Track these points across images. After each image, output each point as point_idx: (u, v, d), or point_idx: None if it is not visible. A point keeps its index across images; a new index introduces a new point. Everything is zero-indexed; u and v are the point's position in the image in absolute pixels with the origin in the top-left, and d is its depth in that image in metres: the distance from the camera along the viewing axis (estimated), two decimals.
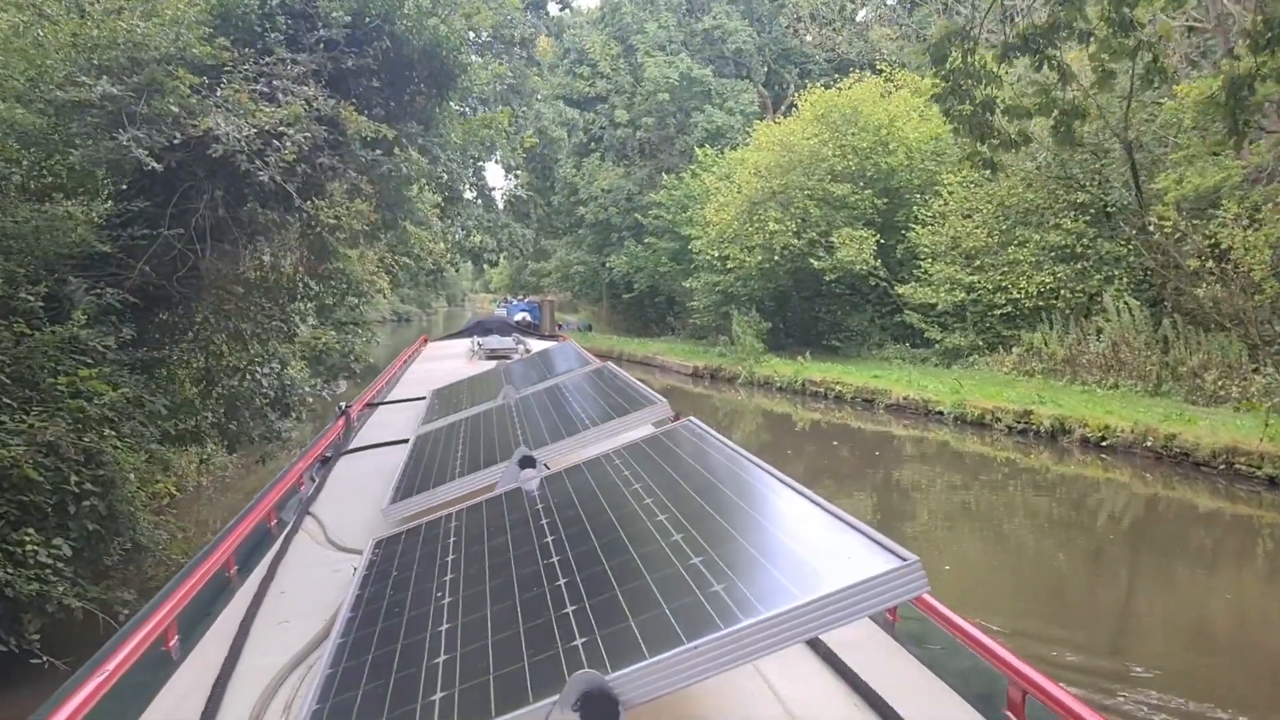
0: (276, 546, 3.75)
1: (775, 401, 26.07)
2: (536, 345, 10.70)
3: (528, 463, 3.66)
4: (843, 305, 34.04)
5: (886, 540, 1.90)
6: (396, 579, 2.86)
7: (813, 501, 2.29)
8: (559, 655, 1.92)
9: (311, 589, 3.27)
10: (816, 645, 2.52)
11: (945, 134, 29.45)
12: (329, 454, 5.54)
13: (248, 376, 9.98)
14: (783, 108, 42.96)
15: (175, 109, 8.00)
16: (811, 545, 2.03)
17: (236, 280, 9.58)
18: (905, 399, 21.79)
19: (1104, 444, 16.42)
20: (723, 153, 37.96)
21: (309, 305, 11.20)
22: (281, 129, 8.15)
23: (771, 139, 31.55)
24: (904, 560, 1.79)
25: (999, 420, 18.84)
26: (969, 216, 27.01)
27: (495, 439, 4.54)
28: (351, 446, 5.83)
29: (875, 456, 18.28)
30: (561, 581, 2.34)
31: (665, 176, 40.02)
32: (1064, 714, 2.03)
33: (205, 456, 11.29)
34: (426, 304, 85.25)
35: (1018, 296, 25.21)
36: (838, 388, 24.37)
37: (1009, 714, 2.25)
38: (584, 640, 1.94)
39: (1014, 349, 24.63)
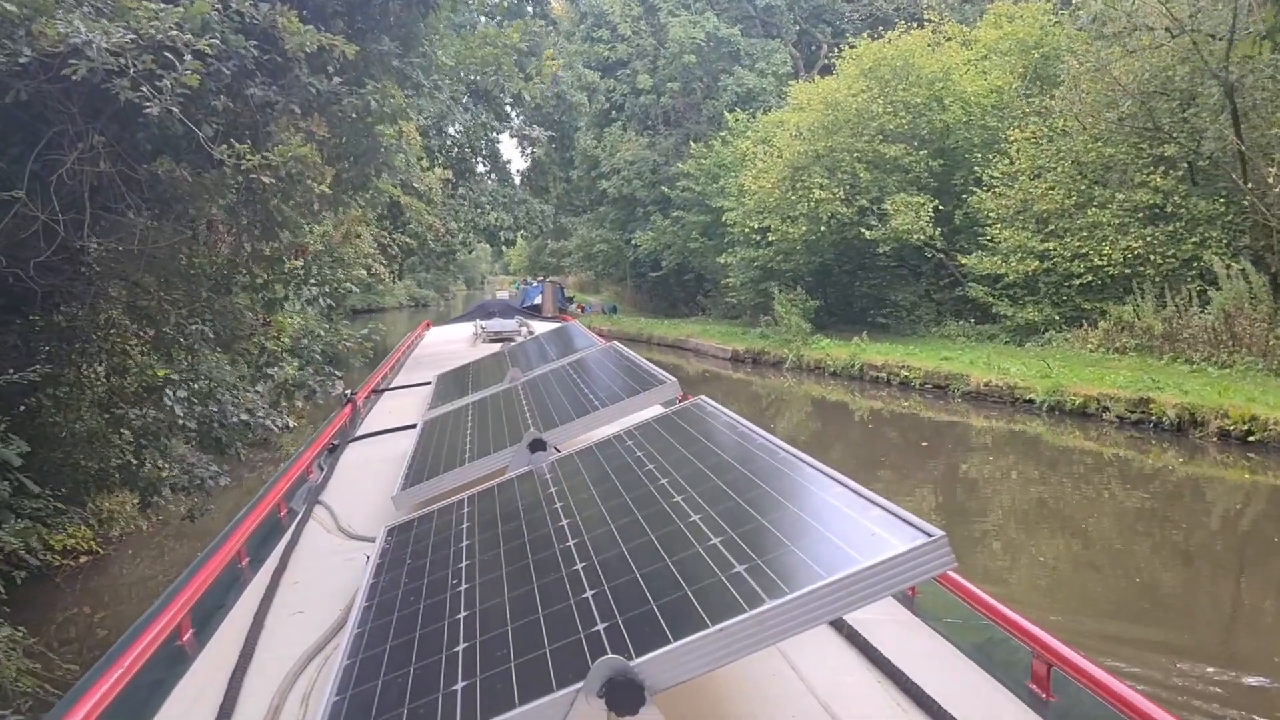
0: (287, 536, 3.67)
1: (828, 388, 23.29)
2: (540, 327, 10.42)
3: (538, 445, 3.66)
4: (892, 279, 31.21)
5: (910, 515, 1.84)
6: (411, 567, 2.79)
7: (832, 478, 2.21)
8: (581, 641, 1.87)
9: (324, 578, 3.23)
10: (836, 622, 2.45)
11: (1008, 86, 26.62)
12: (336, 441, 5.45)
13: (164, 399, 7.20)
14: (815, 69, 39.96)
15: (13, 8, 5.30)
16: (833, 523, 1.97)
17: (150, 266, 6.87)
18: (986, 385, 18.94)
19: (1250, 439, 13.59)
20: (754, 117, 35.08)
21: (257, 297, 8.45)
22: (174, 32, 5.44)
23: (814, 97, 28.58)
24: (930, 536, 1.72)
25: (1107, 410, 15.99)
26: (1038, 176, 24.07)
27: (504, 422, 4.46)
28: (359, 433, 5.74)
29: (956, 456, 15.50)
30: (579, 566, 2.28)
31: (693, 145, 37.10)
32: (1093, 686, 2.01)
33: (105, 514, 8.62)
34: (444, 288, 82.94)
35: (1100, 264, 22.31)
36: (903, 372, 21.53)
37: (1033, 687, 2.20)
38: (605, 625, 1.89)
39: (1100, 323, 21.73)
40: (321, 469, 4.83)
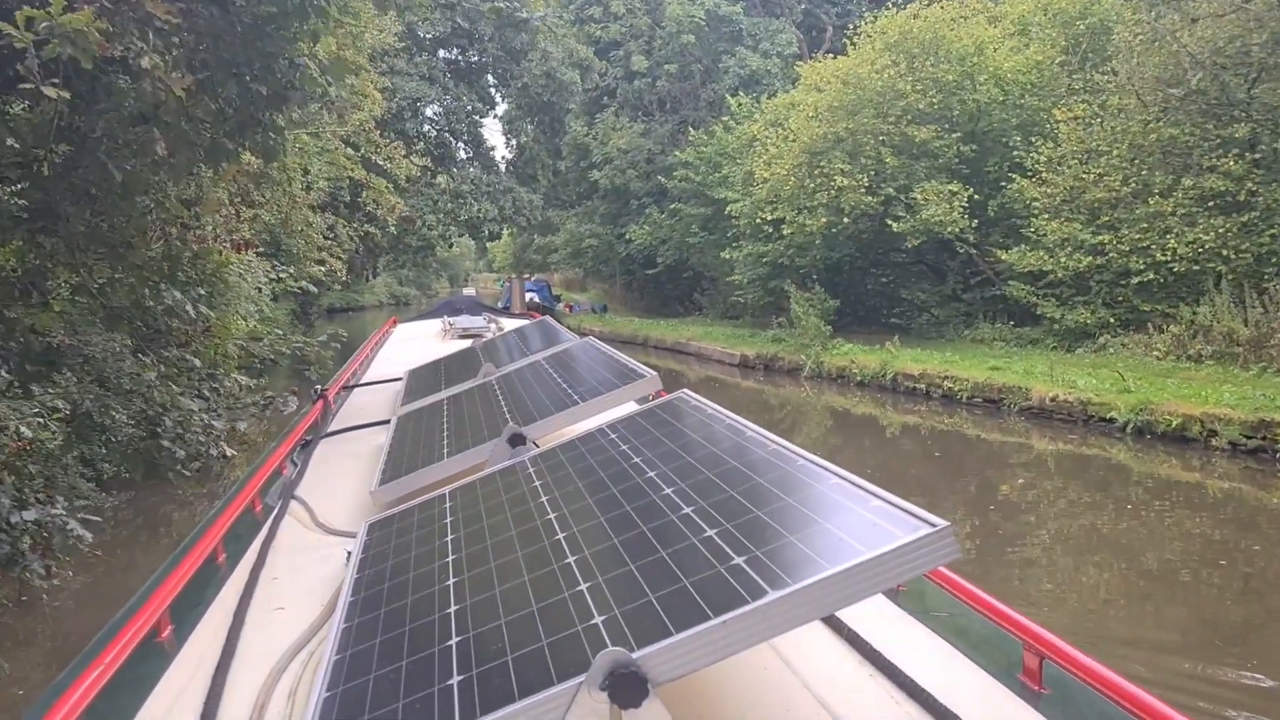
0: (264, 532, 3.66)
1: (855, 400, 20.53)
2: (509, 324, 10.43)
3: (518, 440, 3.67)
4: (912, 277, 28.53)
5: (911, 505, 1.84)
6: (396, 562, 2.78)
7: (827, 469, 2.20)
8: (579, 634, 1.86)
9: (304, 574, 3.22)
10: (827, 615, 2.40)
11: (1050, 60, 23.91)
12: (309, 437, 5.44)
13: None
14: (820, 52, 37.22)
15: None
16: (833, 514, 1.97)
17: None
18: (1052, 400, 16.19)
19: None
20: (759, 101, 32.32)
21: (94, 303, 5.61)
22: None
23: (832, 75, 25.79)
24: (934, 526, 1.72)
25: (1214, 434, 13.28)
26: (1089, 161, 21.37)
27: (481, 417, 4.42)
28: (331, 429, 5.73)
29: (1024, 493, 12.76)
30: (571, 559, 2.28)
31: (692, 132, 34.26)
32: (1085, 677, 2.00)
33: None
34: (426, 285, 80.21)
35: (1163, 259, 19.58)
36: (945, 383, 18.75)
37: (1025, 680, 2.20)
38: (604, 618, 1.89)
39: (1169, 327, 19.04)
40: (295, 464, 4.83)
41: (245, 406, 14.65)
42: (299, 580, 3.14)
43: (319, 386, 6.89)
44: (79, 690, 2.10)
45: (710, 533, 2.08)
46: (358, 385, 7.55)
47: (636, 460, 2.83)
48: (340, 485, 4.34)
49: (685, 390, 3.36)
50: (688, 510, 2.27)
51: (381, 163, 13.92)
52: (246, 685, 2.35)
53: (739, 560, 1.88)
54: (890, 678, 2.21)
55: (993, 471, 13.83)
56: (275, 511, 3.90)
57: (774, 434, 2.58)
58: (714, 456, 2.58)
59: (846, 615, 2.46)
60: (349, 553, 3.06)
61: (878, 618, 2.57)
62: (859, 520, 1.87)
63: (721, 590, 1.79)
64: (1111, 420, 14.90)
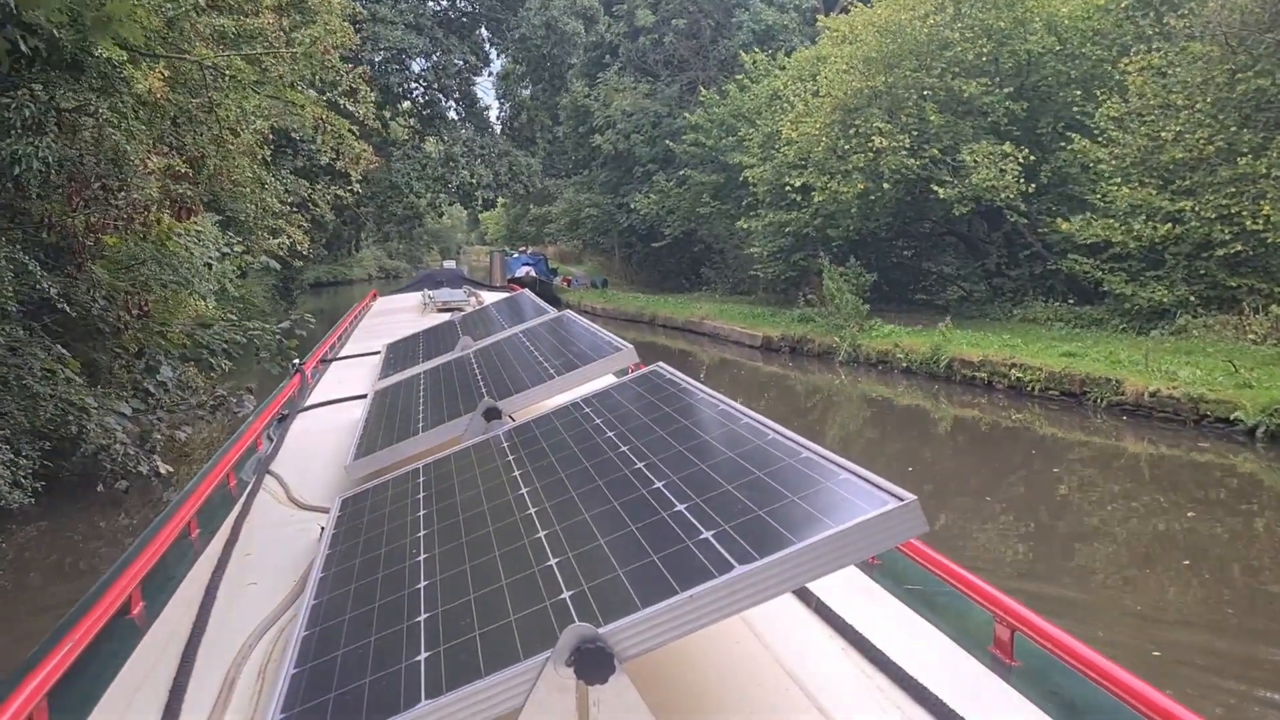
0: (238, 507, 3.62)
1: (900, 390, 18.04)
2: (489, 297, 10.25)
3: (493, 414, 3.64)
4: (940, 250, 26.00)
5: (881, 480, 1.80)
6: (367, 537, 2.76)
7: (797, 443, 2.16)
8: (547, 610, 1.83)
9: (277, 549, 3.20)
10: (800, 589, 2.39)
11: (1114, 4, 21.25)
12: (285, 411, 5.45)
13: None
14: (836, 11, 34.51)
15: None
16: (802, 488, 1.93)
17: None
18: (1152, 395, 13.68)
19: None
20: (774, 58, 29.66)
21: None
22: None
23: (867, 24, 23.07)
24: (902, 500, 1.70)
25: None
26: (1165, 117, 18.78)
27: (457, 391, 4.40)
28: (308, 403, 5.73)
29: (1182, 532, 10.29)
30: (542, 534, 2.26)
31: (704, 92, 31.52)
32: (1055, 649, 2.00)
33: None
34: (417, 258, 77.73)
35: (1255, 228, 17.07)
36: (1013, 373, 16.21)
37: (996, 652, 2.20)
38: (572, 593, 1.86)
39: (1269, 307, 16.56)
40: (271, 439, 4.77)
41: (190, 409, 12.17)
42: (272, 556, 3.09)
43: (296, 360, 6.95)
44: (49, 666, 2.06)
45: (680, 507, 2.05)
46: (335, 359, 7.55)
47: (610, 434, 2.77)
48: (316, 460, 4.30)
49: (661, 364, 3.25)
50: (659, 485, 2.23)
51: (343, 102, 11.38)
52: (216, 662, 2.31)
53: (708, 535, 1.86)
54: (862, 651, 2.19)
55: (1108, 488, 11.35)
56: (250, 486, 3.85)
57: (761, 414, 2.41)
58: (686, 430, 2.53)
59: (819, 589, 2.44)
60: (322, 528, 3.00)
61: (851, 591, 2.54)
62: (828, 494, 1.83)
63: (690, 565, 1.75)
64: (1232, 422, 12.42)
